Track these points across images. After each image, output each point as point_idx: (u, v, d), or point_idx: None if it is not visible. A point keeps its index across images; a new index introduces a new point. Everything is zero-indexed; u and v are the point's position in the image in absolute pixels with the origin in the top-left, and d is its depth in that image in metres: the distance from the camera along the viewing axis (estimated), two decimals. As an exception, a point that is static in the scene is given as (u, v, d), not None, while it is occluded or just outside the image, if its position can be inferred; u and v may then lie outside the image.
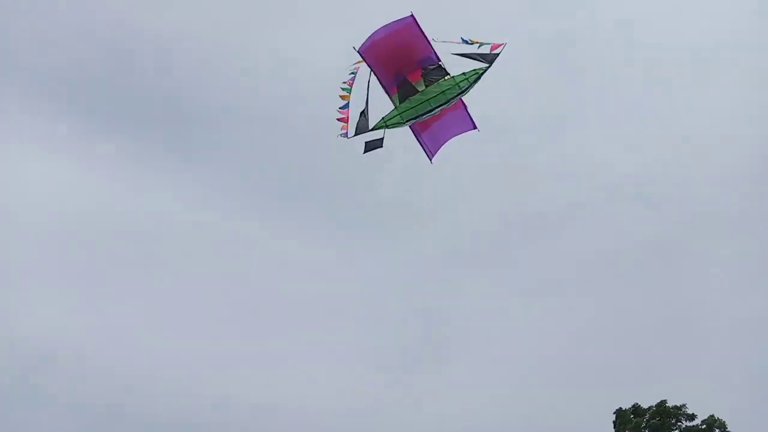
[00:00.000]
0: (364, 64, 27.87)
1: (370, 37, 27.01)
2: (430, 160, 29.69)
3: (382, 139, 28.04)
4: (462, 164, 52.68)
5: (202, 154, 57.75)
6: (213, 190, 56.44)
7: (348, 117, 27.64)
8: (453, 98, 27.13)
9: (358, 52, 27.16)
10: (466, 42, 27.01)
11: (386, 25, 26.90)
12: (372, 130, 27.88)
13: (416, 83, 27.71)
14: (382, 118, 28.07)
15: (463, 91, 27.01)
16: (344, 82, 27.87)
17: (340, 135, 27.73)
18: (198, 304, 51.84)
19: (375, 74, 27.35)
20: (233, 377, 47.76)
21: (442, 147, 29.32)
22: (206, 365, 48.52)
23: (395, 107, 27.81)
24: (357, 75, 27.86)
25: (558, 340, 50.52)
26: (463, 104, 28.26)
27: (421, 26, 26.59)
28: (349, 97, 27.83)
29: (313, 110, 54.24)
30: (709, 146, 50.86)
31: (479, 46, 26.74)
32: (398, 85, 27.99)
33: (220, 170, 56.83)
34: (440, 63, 27.53)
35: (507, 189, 54.34)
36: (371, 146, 27.99)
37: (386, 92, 27.90)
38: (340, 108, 27.73)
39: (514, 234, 54.65)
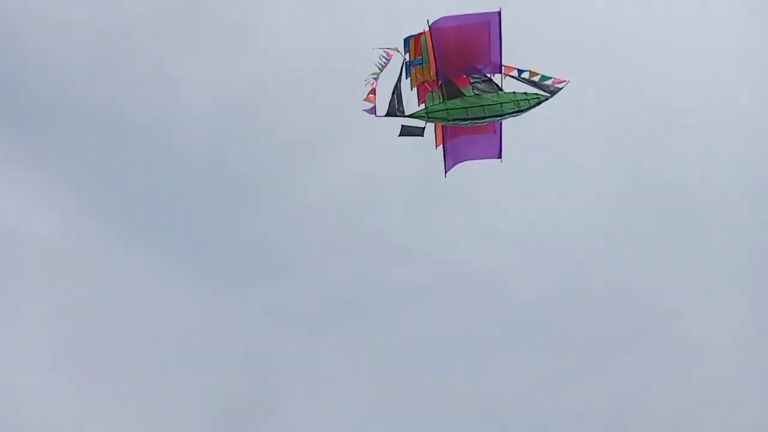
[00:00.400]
0: (395, 53, 26.19)
1: (446, 17, 25.25)
2: (445, 173, 28.27)
3: (424, 129, 26.23)
4: (331, 224, 51.23)
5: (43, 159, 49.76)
6: (51, 202, 48.53)
7: (376, 95, 25.54)
8: (508, 114, 25.73)
9: (429, 27, 25.30)
10: (521, 71, 26.22)
11: (467, 14, 25.15)
12: (409, 117, 26.05)
13: (464, 88, 26.22)
14: (425, 107, 26.25)
15: (520, 111, 25.75)
16: (378, 66, 25.86)
17: (367, 111, 25.53)
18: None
19: (434, 58, 25.49)
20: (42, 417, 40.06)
21: (460, 164, 28.07)
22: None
23: (441, 101, 26.01)
24: (388, 62, 25.94)
25: (383, 414, 49.40)
26: (501, 129, 27.13)
27: (502, 28, 25.02)
28: (379, 74, 25.82)
29: (189, 138, 50.39)
30: (550, 246, 53.88)
31: (540, 78, 26.04)
32: (442, 84, 26.39)
33: (65, 183, 49.27)
34: (491, 76, 26.26)
35: (363, 259, 53.43)
36: (409, 132, 26.18)
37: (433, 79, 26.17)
38: (370, 82, 25.56)
39: (362, 303, 53.29)
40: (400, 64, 26.44)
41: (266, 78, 50.97)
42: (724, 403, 46.88)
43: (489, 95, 26.12)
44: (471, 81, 26.41)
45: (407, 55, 26.46)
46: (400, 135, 26.40)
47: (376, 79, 25.80)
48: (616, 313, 52.49)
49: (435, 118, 26.03)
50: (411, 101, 26.74)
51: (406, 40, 26.33)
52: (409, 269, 52.99)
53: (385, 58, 26.10)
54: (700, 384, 47.94)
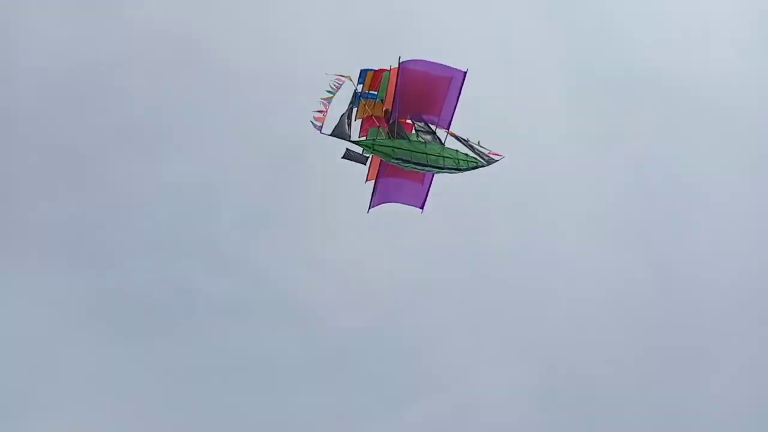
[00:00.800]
0: (347, 81, 26.37)
1: (417, 60, 25.37)
2: (368, 209, 28.08)
3: (367, 158, 26.50)
4: (156, 220, 48.82)
5: None
6: None
7: (326, 115, 25.51)
8: (446, 170, 26.35)
9: (399, 62, 25.38)
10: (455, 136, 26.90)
11: (438, 63, 25.51)
12: (356, 143, 26.11)
13: (409, 134, 26.64)
14: (373, 139, 26.22)
15: (458, 170, 26.41)
16: (330, 90, 25.96)
17: (315, 125, 25.24)
18: None
19: (394, 96, 25.62)
20: None
21: (384, 205, 28.06)
22: None
23: (389, 137, 26.20)
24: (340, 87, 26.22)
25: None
26: (430, 182, 27.53)
27: (463, 88, 25.49)
28: (331, 98, 25.83)
29: (16, 95, 46.05)
30: (376, 284, 54.76)
31: (478, 142, 26.95)
32: (392, 123, 26.53)
33: None
34: (435, 129, 26.73)
35: (183, 263, 51.12)
36: (352, 157, 26.31)
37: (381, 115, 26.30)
38: (323, 101, 25.61)
39: (168, 308, 50.85)
40: (352, 92, 26.48)
41: (126, 51, 47.43)
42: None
43: (434, 146, 26.69)
44: (415, 128, 26.85)
45: (360, 86, 26.58)
46: (343, 157, 26.48)
47: (328, 102, 25.79)
48: (417, 360, 53.93)
49: (379, 151, 26.17)
50: (354, 131, 26.80)
51: (363, 72, 26.44)
52: (228, 282, 51.20)
53: (337, 84, 26.12)
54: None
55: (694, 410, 48.06)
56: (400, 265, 54.03)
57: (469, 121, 26.86)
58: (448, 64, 25.62)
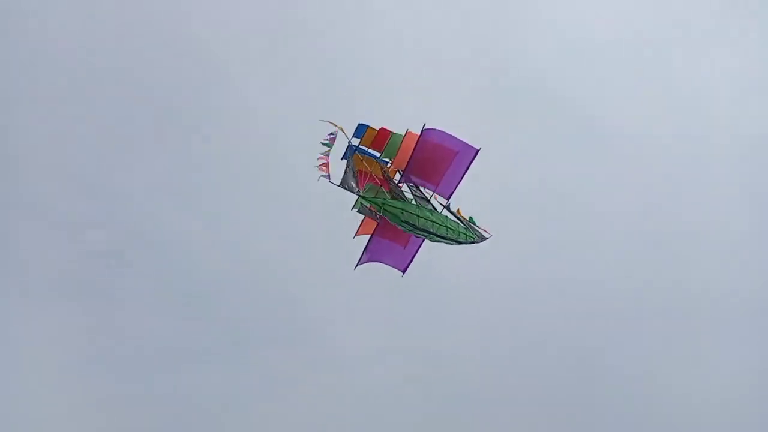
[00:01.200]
0: (339, 133, 25.67)
1: (438, 131, 24.91)
2: (356, 266, 27.34)
3: (379, 216, 25.96)
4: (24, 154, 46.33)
5: None
6: None
7: (328, 167, 25.09)
8: (447, 240, 26.00)
9: (423, 128, 25.01)
10: (448, 209, 26.63)
11: (453, 136, 25.03)
12: (364, 198, 25.63)
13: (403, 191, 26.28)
14: (383, 198, 25.62)
15: (458, 242, 26.11)
16: (326, 140, 25.42)
17: (323, 176, 24.91)
18: None
19: (408, 161, 25.11)
20: None
21: (371, 263, 27.39)
22: None
23: (401, 200, 25.74)
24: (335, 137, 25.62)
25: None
26: (418, 248, 27.06)
27: (471, 165, 25.07)
28: (329, 150, 25.31)
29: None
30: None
31: (469, 219, 26.59)
32: (396, 185, 25.99)
33: None
34: (429, 196, 26.19)
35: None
36: (367, 214, 26.28)
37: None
38: (321, 155, 25.21)
39: None
40: (346, 144, 25.96)
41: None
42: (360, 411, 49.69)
43: (438, 214, 26.40)
44: (412, 193, 26.41)
45: (355, 139, 26.04)
46: (358, 211, 26.42)
47: (327, 155, 25.33)
48: (303, 345, 52.90)
49: (389, 212, 25.59)
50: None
51: (362, 127, 25.88)
52: (102, 233, 47.60)
53: (332, 136, 25.59)
54: (338, 391, 49.94)
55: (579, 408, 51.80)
56: (294, 250, 52.69)
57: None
58: (462, 140, 25.39)
